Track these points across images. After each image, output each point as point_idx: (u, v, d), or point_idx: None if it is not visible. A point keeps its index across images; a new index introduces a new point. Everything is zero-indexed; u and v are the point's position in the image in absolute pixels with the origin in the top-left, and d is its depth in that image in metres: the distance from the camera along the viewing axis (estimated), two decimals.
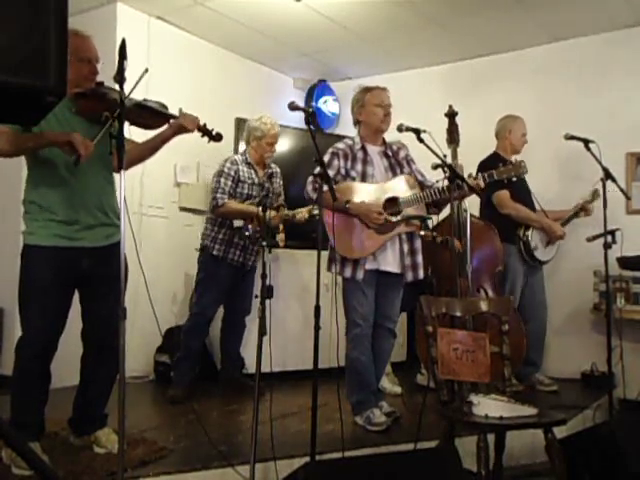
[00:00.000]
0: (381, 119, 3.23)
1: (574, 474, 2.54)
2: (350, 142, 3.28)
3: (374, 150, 3.28)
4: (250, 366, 3.95)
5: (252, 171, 3.90)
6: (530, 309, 4.18)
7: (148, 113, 2.69)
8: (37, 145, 2.42)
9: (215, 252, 3.80)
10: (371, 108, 3.25)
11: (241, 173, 3.84)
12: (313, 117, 2.58)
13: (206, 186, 4.66)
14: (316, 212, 3.81)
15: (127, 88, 2.24)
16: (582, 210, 4.25)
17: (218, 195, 3.76)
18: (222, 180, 3.78)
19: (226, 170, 3.81)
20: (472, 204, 3.87)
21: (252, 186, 3.88)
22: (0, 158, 2.44)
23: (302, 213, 3.81)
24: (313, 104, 5.68)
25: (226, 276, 3.83)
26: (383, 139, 3.33)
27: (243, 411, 3.52)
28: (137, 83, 2.42)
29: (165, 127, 2.72)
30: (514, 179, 3.07)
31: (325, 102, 5.81)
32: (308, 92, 5.83)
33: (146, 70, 2.45)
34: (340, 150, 3.23)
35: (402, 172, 3.26)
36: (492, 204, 4.08)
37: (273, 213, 3.77)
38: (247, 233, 3.74)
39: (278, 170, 4.08)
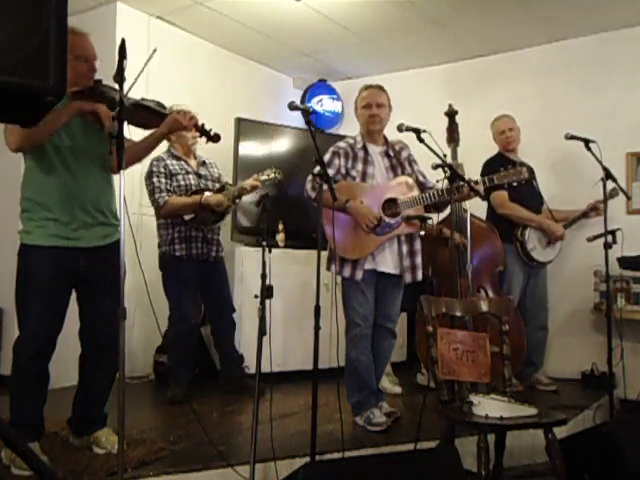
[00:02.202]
0: (367, 120, 3.22)
1: (574, 474, 2.54)
2: (352, 141, 3.27)
3: (375, 150, 3.27)
4: (250, 366, 3.94)
5: (182, 162, 3.81)
6: (531, 310, 4.19)
7: (146, 112, 2.68)
8: (69, 117, 2.40)
9: (178, 253, 3.68)
10: (359, 110, 3.28)
11: (171, 167, 3.75)
12: (309, 116, 2.57)
13: None
14: (264, 177, 3.69)
15: (127, 86, 2.24)
16: (593, 210, 4.11)
17: (157, 195, 3.66)
18: (155, 180, 3.69)
19: (154, 169, 3.71)
20: (473, 204, 3.85)
21: (187, 175, 3.79)
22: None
23: (247, 183, 3.67)
24: (306, 104, 5.64)
25: (193, 275, 3.75)
26: (385, 139, 3.32)
27: (243, 411, 3.51)
28: (146, 64, 2.43)
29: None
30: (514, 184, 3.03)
31: (320, 102, 5.74)
32: (303, 92, 5.80)
33: (155, 50, 2.45)
34: (341, 149, 3.22)
35: (403, 172, 3.24)
36: (491, 204, 4.11)
37: (220, 197, 3.67)
38: (186, 217, 3.67)
39: (213, 161, 4.01)
